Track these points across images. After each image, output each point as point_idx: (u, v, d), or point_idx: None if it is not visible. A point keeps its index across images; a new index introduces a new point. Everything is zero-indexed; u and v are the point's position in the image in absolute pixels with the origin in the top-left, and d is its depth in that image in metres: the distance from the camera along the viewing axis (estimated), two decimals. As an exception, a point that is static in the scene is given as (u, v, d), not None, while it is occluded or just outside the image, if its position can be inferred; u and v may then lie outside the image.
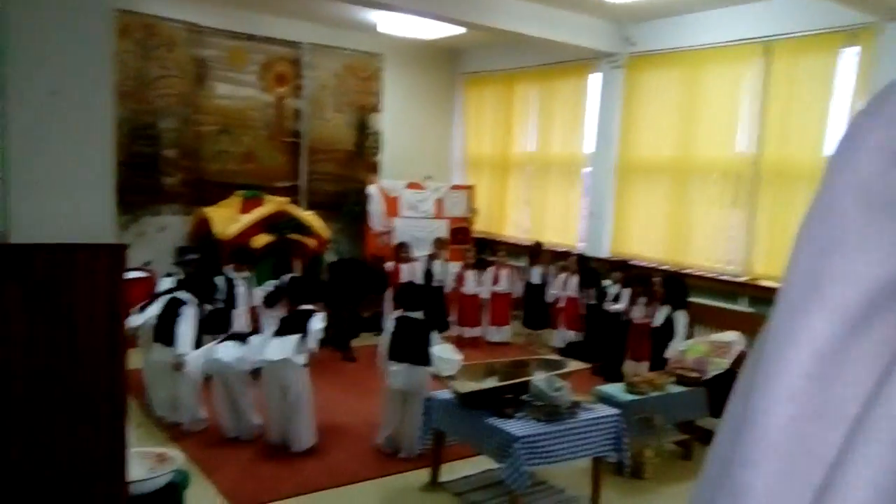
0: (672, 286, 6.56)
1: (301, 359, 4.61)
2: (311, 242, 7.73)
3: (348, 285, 7.29)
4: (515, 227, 9.68)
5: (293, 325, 4.72)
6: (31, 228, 2.22)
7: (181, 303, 4.84)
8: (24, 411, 2.25)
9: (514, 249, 9.07)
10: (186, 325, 4.75)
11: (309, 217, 7.98)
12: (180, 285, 5.06)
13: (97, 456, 2.35)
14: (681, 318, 6.23)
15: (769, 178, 6.80)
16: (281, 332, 4.70)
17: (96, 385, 2.34)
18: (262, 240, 7.42)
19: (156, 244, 7.79)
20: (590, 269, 7.66)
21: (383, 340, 4.66)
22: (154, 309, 4.91)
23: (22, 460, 2.26)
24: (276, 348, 4.60)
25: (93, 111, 2.23)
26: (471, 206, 9.38)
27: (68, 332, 2.28)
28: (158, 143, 7.93)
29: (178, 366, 4.69)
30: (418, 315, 4.69)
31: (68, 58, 2.23)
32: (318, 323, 4.69)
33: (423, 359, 4.50)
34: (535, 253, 8.21)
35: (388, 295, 7.76)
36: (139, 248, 7.58)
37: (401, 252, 7.90)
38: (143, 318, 4.93)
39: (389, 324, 4.70)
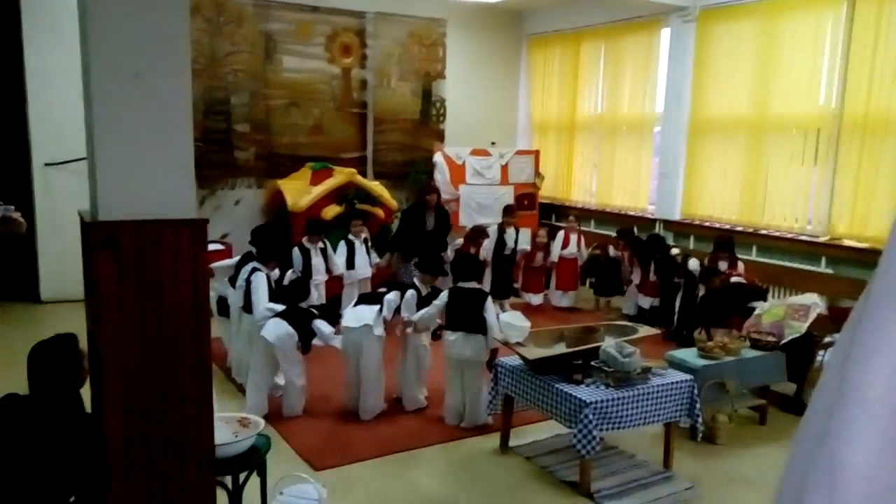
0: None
1: (378, 329, 4.71)
2: (379, 212, 7.83)
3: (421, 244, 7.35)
4: (583, 191, 9.56)
5: (372, 296, 4.87)
6: (118, 206, 2.34)
7: (256, 272, 4.96)
8: (116, 375, 2.40)
9: (582, 214, 8.94)
10: (258, 294, 4.87)
11: (376, 187, 8.08)
12: (250, 257, 5.18)
13: (186, 418, 2.49)
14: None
15: (852, 133, 6.43)
16: (361, 301, 4.88)
17: (184, 350, 2.46)
18: (332, 211, 7.58)
19: (232, 217, 8.07)
20: (651, 240, 7.48)
21: (429, 312, 4.67)
22: (237, 282, 5.10)
23: (112, 424, 2.42)
24: (354, 316, 4.76)
25: (174, 92, 2.31)
26: (537, 172, 9.30)
27: (157, 301, 2.40)
28: (230, 118, 8.15)
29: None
30: (472, 285, 4.70)
31: (149, 40, 2.31)
32: (392, 295, 4.79)
33: (478, 327, 4.53)
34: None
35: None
36: (216, 222, 7.87)
37: (477, 237, 7.55)
38: (226, 290, 5.16)
39: (444, 295, 4.73)
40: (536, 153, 9.42)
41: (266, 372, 4.79)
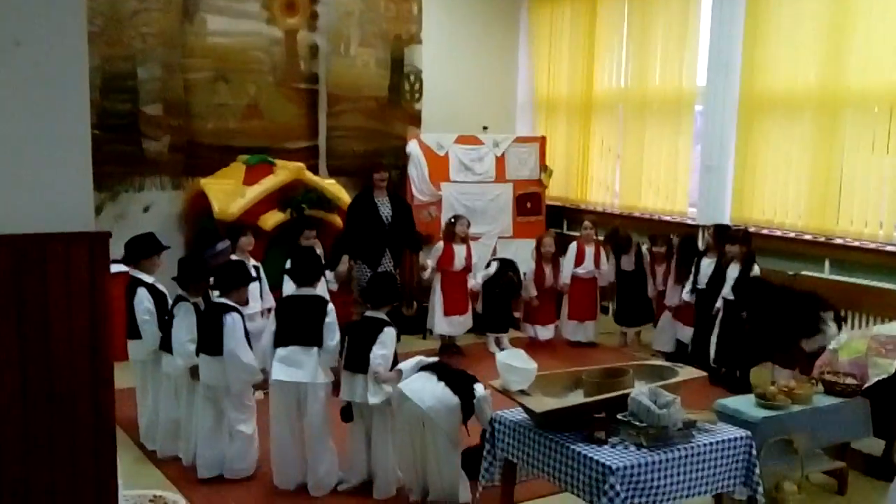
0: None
1: (321, 376, 4.85)
2: (335, 220, 7.83)
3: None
4: (603, 189, 9.64)
5: (306, 330, 4.89)
6: (-9, 215, 2.33)
7: (227, 309, 5.04)
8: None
9: (602, 219, 9.03)
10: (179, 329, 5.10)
11: (331, 187, 8.09)
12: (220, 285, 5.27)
13: (79, 499, 2.46)
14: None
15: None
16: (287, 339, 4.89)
17: (76, 408, 2.44)
18: (272, 218, 7.56)
19: (139, 228, 7.97)
20: (687, 243, 7.64)
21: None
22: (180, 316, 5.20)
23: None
24: (286, 362, 4.86)
25: (63, 64, 2.31)
26: (542, 165, 9.35)
27: (40, 343, 2.39)
28: (137, 97, 8.11)
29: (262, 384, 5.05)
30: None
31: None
32: (333, 332, 4.88)
33: (462, 381, 4.71)
34: (622, 241, 8.19)
35: (438, 285, 7.86)
36: (120, 236, 7.76)
37: (454, 228, 7.92)
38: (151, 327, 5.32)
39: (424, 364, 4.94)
40: (542, 140, 9.46)
41: (219, 421, 5.02)
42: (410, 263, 8.61)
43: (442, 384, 4.69)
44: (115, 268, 5.52)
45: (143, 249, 5.56)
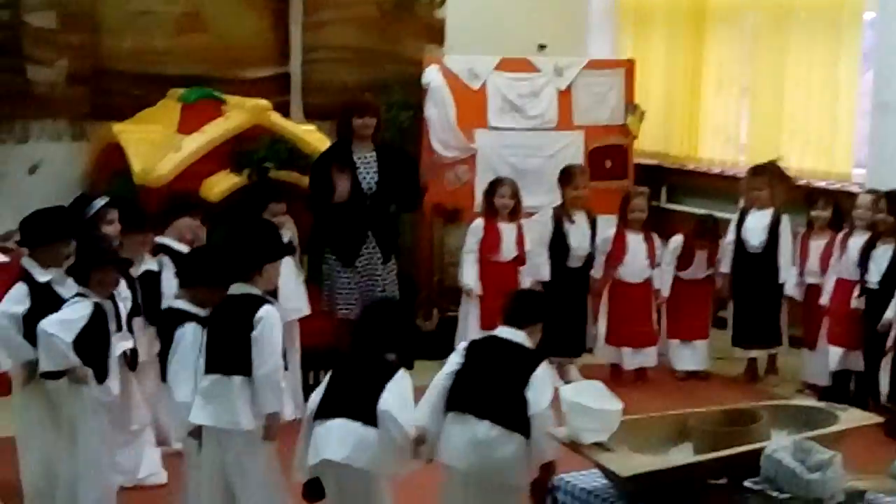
0: None
1: (248, 422, 4.89)
2: (312, 186, 7.82)
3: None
4: (723, 141, 9.60)
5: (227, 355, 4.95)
6: None
7: (183, 316, 5.24)
8: None
9: (718, 187, 8.90)
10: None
11: (309, 135, 8.07)
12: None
13: None
14: None
15: None
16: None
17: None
18: (223, 182, 7.55)
19: (23, 196, 8.02)
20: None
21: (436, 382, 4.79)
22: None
23: None
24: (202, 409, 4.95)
25: None
26: (629, 104, 9.32)
27: None
28: (18, 1, 8.14)
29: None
30: (518, 337, 4.77)
31: None
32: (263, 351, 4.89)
33: (515, 418, 4.53)
34: (755, 188, 8.10)
35: (474, 286, 7.86)
36: (-6, 207, 7.85)
37: (495, 198, 7.89)
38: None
39: (459, 350, 4.87)
40: (628, 67, 9.44)
41: None
42: (430, 251, 8.61)
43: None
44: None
45: (43, 232, 5.67)
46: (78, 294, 5.37)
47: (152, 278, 6.36)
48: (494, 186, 8.01)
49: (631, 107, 9.33)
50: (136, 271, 6.29)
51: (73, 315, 5.23)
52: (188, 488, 5.22)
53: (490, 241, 7.87)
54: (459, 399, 4.66)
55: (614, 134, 9.27)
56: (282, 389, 4.95)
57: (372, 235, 7.26)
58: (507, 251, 7.87)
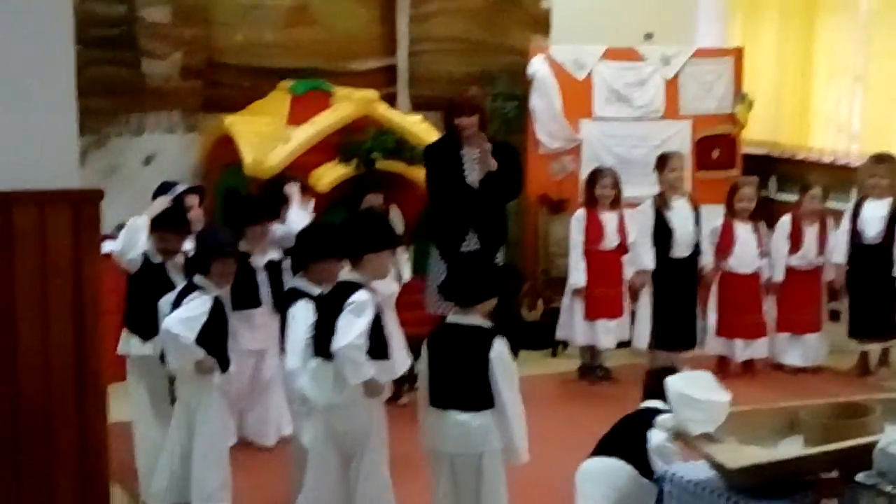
0: None
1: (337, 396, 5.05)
2: (421, 177, 7.84)
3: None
4: (834, 130, 9.45)
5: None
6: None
7: (296, 294, 5.52)
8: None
9: (831, 176, 8.82)
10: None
11: (416, 127, 8.12)
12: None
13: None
14: None
15: None
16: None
17: (53, 438, 2.51)
18: (330, 174, 7.64)
19: (138, 186, 8.17)
20: None
21: None
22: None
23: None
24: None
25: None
26: (738, 92, 9.22)
27: (7, 342, 2.46)
28: (135, -3, 8.33)
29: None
30: (469, 319, 4.92)
31: None
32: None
33: (481, 400, 4.76)
34: (876, 176, 7.96)
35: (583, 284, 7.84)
36: (111, 197, 7.93)
37: (596, 188, 7.89)
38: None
39: (424, 346, 5.06)
40: (737, 55, 9.35)
41: None
42: (535, 242, 8.60)
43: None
44: (108, 247, 5.72)
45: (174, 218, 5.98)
46: (196, 288, 5.50)
47: (275, 268, 6.46)
48: (595, 176, 7.98)
49: (739, 95, 9.23)
50: (259, 262, 6.44)
51: (195, 312, 5.35)
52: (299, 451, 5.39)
53: (592, 231, 7.83)
54: (432, 395, 4.92)
55: (722, 123, 9.18)
56: (359, 364, 4.95)
57: (473, 231, 7.23)
58: (610, 240, 7.83)
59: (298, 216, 6.65)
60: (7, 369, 2.47)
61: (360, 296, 4.99)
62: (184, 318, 5.32)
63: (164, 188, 6.49)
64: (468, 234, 7.20)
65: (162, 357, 5.46)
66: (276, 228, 6.50)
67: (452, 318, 5.03)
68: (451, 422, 4.82)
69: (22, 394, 2.48)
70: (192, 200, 6.55)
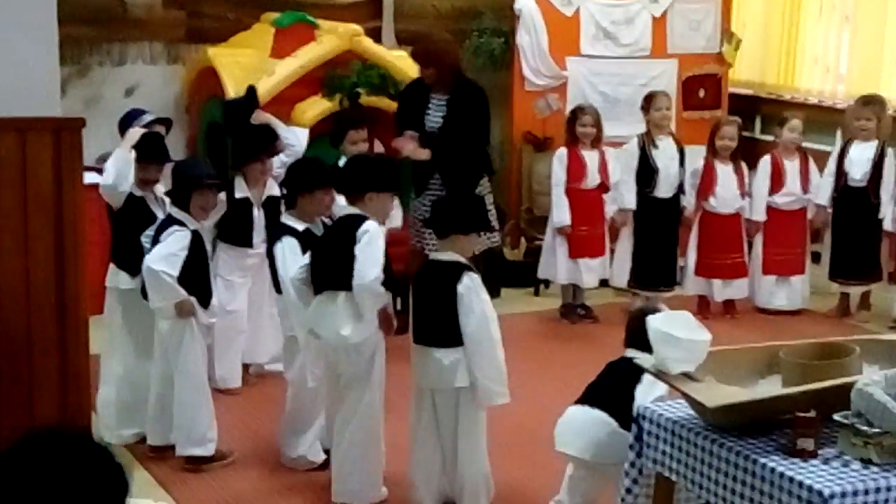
0: None
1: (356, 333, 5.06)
2: (403, 111, 7.86)
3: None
4: (821, 70, 9.46)
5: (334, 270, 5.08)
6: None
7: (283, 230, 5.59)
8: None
9: (817, 117, 8.83)
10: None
11: (400, 62, 8.09)
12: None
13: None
14: None
15: None
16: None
17: (38, 374, 2.51)
18: (314, 108, 7.62)
19: (118, 119, 8.13)
20: None
21: None
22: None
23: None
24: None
25: None
26: (725, 31, 9.21)
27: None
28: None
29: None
30: (444, 255, 5.03)
31: None
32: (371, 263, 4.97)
33: (452, 336, 4.87)
34: (863, 118, 7.96)
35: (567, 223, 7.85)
36: (92, 129, 7.90)
37: (578, 125, 7.87)
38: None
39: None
40: (725, -8, 9.30)
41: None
42: (519, 179, 8.60)
43: None
44: (89, 178, 5.70)
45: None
46: (175, 221, 5.47)
47: (275, 204, 6.46)
48: (576, 114, 7.98)
49: (727, 35, 9.19)
50: (259, 198, 6.46)
51: (175, 247, 5.33)
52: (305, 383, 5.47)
53: (574, 170, 7.83)
54: (414, 331, 5.07)
55: (709, 63, 9.16)
56: (380, 296, 5.04)
57: (437, 175, 7.20)
58: (591, 179, 7.83)
59: (301, 133, 6.71)
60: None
61: (370, 225, 5.02)
62: (164, 254, 5.30)
63: (129, 117, 6.39)
64: (433, 177, 7.20)
65: (144, 292, 5.43)
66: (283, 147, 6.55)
67: (433, 254, 5.07)
68: (429, 358, 4.92)
69: (2, 323, 2.47)
70: (160, 130, 6.45)
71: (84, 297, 2.58)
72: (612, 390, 4.83)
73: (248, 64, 7.83)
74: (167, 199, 5.74)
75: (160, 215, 5.63)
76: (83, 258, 2.58)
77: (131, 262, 5.57)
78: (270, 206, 6.44)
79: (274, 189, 6.49)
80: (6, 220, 2.48)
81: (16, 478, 2.22)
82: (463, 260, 4.96)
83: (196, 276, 5.43)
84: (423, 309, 5.01)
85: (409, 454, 5.14)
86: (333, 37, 7.86)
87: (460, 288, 4.84)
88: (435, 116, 7.23)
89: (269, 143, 6.54)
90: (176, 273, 5.26)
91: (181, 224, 5.42)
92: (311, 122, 7.51)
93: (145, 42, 8.43)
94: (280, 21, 8.02)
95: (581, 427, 4.82)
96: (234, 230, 6.35)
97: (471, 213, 5.23)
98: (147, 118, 6.34)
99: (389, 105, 7.80)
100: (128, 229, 5.67)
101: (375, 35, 8.62)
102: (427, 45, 7.51)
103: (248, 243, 6.41)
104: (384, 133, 7.48)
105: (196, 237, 5.47)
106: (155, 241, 5.41)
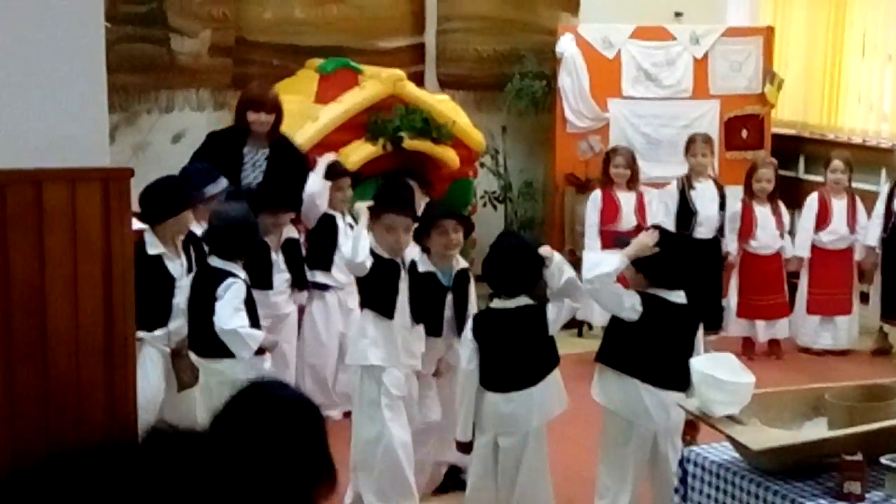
0: None
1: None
2: (447, 156, 7.89)
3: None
4: (865, 109, 9.38)
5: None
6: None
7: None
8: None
9: (861, 157, 8.75)
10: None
11: (442, 105, 8.13)
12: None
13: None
14: None
15: None
16: None
17: (83, 424, 2.54)
18: (358, 152, 7.66)
19: (166, 164, 8.21)
20: None
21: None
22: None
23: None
24: None
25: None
26: (768, 72, 9.17)
27: (35, 323, 2.50)
28: (164, -28, 8.35)
29: None
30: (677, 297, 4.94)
31: None
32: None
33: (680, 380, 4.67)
34: None
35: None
36: (140, 175, 7.98)
37: (611, 166, 7.88)
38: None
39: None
40: (767, 34, 9.29)
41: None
42: (562, 221, 8.58)
43: None
44: (136, 225, 5.72)
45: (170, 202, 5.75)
46: (229, 274, 5.37)
47: (294, 246, 6.55)
48: (609, 156, 8.01)
49: (769, 75, 9.15)
50: (277, 242, 6.48)
51: (239, 301, 5.26)
52: None
53: (608, 211, 7.85)
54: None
55: (751, 103, 9.12)
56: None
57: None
58: (627, 221, 7.80)
59: (314, 181, 6.68)
60: (37, 347, 2.51)
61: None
62: (235, 309, 5.22)
63: (192, 178, 6.34)
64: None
65: (206, 350, 5.38)
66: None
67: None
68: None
69: (52, 372, 2.51)
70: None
71: (132, 341, 2.62)
72: None
73: (292, 109, 7.85)
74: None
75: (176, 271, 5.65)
76: (131, 304, 2.62)
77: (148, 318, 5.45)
78: (289, 249, 6.57)
79: (291, 231, 6.62)
80: (57, 268, 2.53)
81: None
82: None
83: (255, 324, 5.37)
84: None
85: None
86: (377, 82, 7.90)
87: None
88: (253, 173, 6.95)
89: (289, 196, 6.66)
90: (248, 324, 5.22)
91: (233, 275, 5.36)
92: (355, 167, 7.55)
93: (192, 89, 8.51)
94: (324, 67, 8.08)
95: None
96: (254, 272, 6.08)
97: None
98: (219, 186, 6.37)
99: (431, 149, 7.83)
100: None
101: (418, 79, 8.65)
102: (270, 89, 7.29)
103: (268, 284, 6.37)
104: (432, 176, 7.50)
105: (248, 287, 5.45)
106: (203, 295, 5.35)
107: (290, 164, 6.94)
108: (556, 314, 5.07)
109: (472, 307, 5.53)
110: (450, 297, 5.45)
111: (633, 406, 4.89)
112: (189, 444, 2.62)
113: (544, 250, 5.08)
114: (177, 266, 5.71)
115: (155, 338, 5.54)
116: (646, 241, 4.92)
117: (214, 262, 5.42)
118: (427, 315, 5.38)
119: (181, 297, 5.58)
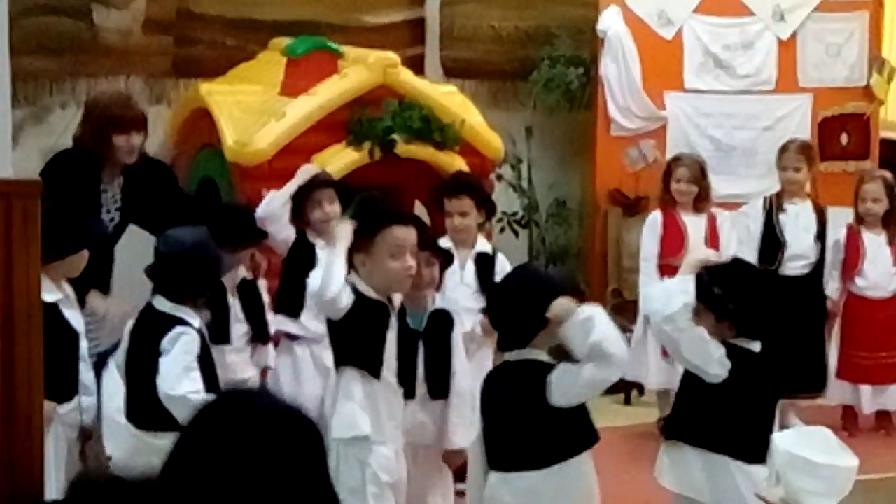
0: None
1: None
2: (454, 166, 7.88)
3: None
4: None
5: None
6: None
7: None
8: None
9: None
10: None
11: (447, 99, 8.18)
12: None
13: None
14: None
15: None
16: None
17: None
18: (337, 160, 7.66)
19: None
20: None
21: None
22: None
23: None
24: None
25: None
26: (874, 57, 9.27)
27: None
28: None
29: None
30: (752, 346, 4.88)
31: None
32: None
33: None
34: None
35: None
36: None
37: (672, 181, 7.86)
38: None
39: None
40: (874, 9, 9.36)
41: None
42: (605, 252, 8.63)
43: None
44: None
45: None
46: (179, 321, 5.30)
47: (251, 289, 6.57)
48: (670, 167, 7.97)
49: (877, 62, 9.24)
50: (233, 282, 6.46)
51: (191, 356, 5.18)
52: None
53: (670, 240, 7.81)
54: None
55: (853, 98, 9.22)
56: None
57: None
58: (696, 247, 7.75)
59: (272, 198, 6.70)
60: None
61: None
62: (185, 369, 5.13)
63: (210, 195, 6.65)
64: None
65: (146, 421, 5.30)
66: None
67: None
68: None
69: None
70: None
71: (37, 386, 2.63)
72: None
73: (251, 104, 7.89)
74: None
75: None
76: (39, 355, 2.62)
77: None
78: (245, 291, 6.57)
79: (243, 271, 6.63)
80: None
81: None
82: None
83: (211, 384, 5.24)
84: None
85: None
86: (362, 68, 7.89)
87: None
88: (112, 209, 6.94)
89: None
90: (201, 386, 5.08)
91: (183, 322, 5.29)
92: (338, 174, 7.53)
93: (121, 77, 8.55)
94: (293, 49, 8.07)
95: None
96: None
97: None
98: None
99: (433, 155, 7.81)
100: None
101: (416, 65, 8.71)
102: (134, 102, 7.42)
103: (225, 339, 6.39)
104: (425, 190, 7.53)
105: (202, 336, 5.35)
106: (139, 349, 5.34)
107: (155, 186, 6.96)
108: (561, 379, 4.70)
109: (460, 362, 5.60)
110: (421, 347, 5.51)
111: (723, 489, 4.88)
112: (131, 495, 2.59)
113: (558, 307, 4.70)
114: (78, 317, 5.62)
115: (61, 415, 5.41)
116: (705, 256, 4.93)
117: (160, 304, 5.33)
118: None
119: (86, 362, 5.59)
